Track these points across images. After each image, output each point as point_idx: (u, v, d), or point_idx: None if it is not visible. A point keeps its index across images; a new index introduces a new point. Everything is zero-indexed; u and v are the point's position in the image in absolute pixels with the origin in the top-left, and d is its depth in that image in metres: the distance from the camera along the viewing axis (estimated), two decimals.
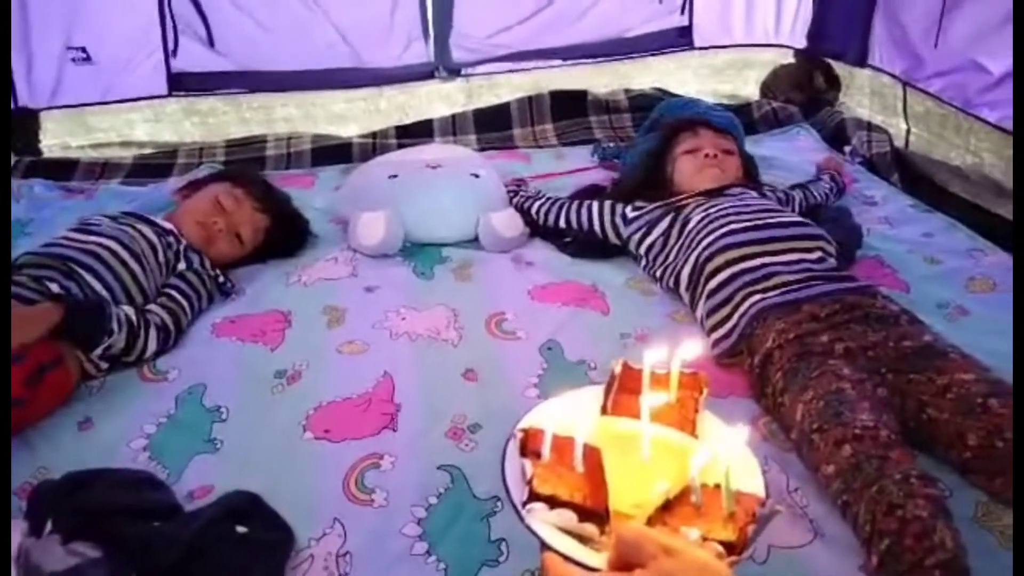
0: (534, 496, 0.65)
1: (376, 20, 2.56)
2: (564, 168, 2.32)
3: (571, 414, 0.72)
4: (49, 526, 0.87)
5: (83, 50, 2.33)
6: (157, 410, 1.32)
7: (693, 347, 0.78)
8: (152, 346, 1.43)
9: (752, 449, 0.73)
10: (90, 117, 2.45)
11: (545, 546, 0.62)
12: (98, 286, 1.45)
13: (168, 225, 1.66)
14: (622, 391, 0.80)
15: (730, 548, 0.61)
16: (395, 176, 1.96)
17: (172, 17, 2.36)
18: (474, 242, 1.87)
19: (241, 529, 0.99)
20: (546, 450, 0.68)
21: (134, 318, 1.40)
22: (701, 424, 0.78)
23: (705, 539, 0.62)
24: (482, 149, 2.45)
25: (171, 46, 2.38)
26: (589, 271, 1.76)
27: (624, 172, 2.12)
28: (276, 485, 1.12)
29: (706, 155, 1.78)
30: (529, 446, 0.69)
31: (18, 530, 0.80)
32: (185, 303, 1.55)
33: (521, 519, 0.65)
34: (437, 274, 1.77)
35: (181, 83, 2.46)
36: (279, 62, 2.51)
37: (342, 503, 1.12)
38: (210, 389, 1.36)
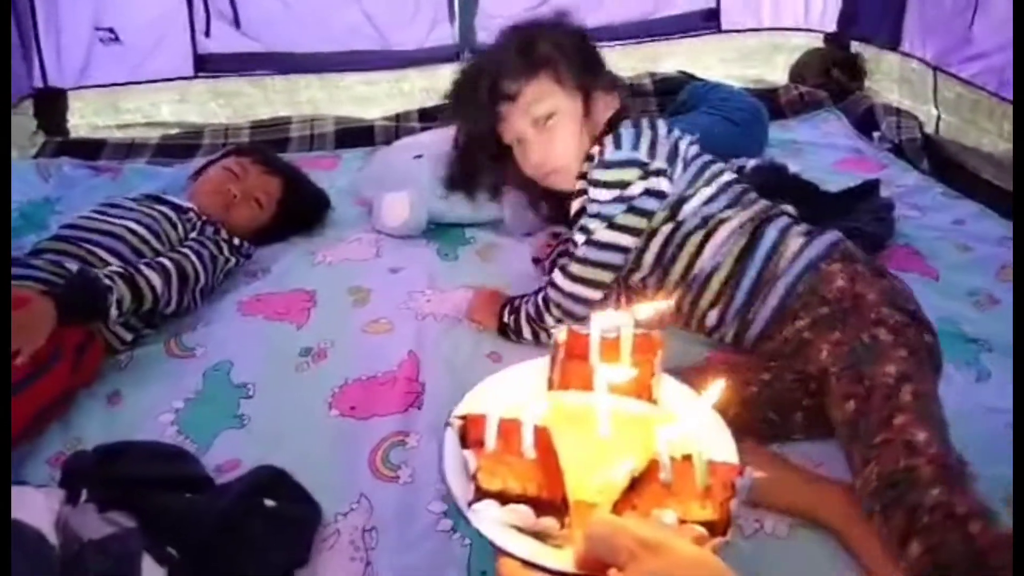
0: (481, 493, 0.56)
1: (401, 2, 2.55)
2: None
3: (515, 393, 0.65)
4: (84, 495, 0.89)
5: (111, 31, 2.34)
6: (185, 386, 1.33)
7: (645, 308, 0.70)
8: (155, 280, 1.39)
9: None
10: (118, 97, 2.47)
11: (500, 551, 0.54)
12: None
13: (187, 204, 1.68)
14: (570, 360, 0.71)
15: (712, 528, 0.54)
16: (419, 156, 1.95)
17: None
18: (498, 223, 1.87)
19: (269, 503, 1.00)
20: (490, 438, 0.59)
21: (122, 268, 1.39)
22: (658, 389, 0.69)
23: (683, 522, 0.54)
24: None
25: (199, 27, 2.39)
26: None
27: None
28: (303, 461, 1.13)
29: None
30: (470, 435, 0.60)
31: (55, 498, 0.82)
32: (189, 252, 1.52)
33: (468, 522, 0.56)
34: (461, 255, 1.78)
35: (207, 64, 2.47)
36: (304, 44, 2.51)
37: (368, 479, 1.13)
38: (237, 366, 1.38)
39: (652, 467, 0.57)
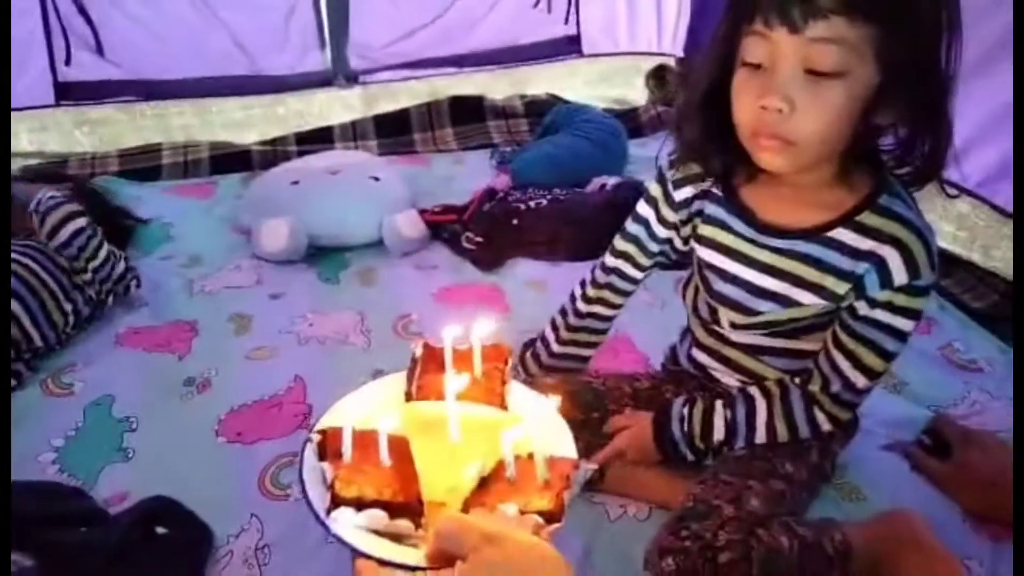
0: (338, 501, 0.59)
1: (271, 28, 2.56)
2: (464, 172, 2.42)
3: (373, 406, 0.68)
4: None
5: None
6: (64, 424, 1.32)
7: (487, 322, 0.76)
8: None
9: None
10: None
11: (357, 553, 0.58)
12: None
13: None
14: (426, 373, 0.74)
15: (548, 517, 0.59)
16: (296, 183, 2.00)
17: (61, 24, 2.30)
18: (378, 245, 1.93)
19: (161, 530, 1.04)
20: (347, 449, 0.62)
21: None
22: (509, 396, 0.73)
23: (523, 512, 0.59)
24: (383, 155, 2.51)
25: (59, 55, 2.32)
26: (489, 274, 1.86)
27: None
28: (191, 488, 1.16)
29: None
30: (329, 447, 0.63)
31: None
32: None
33: (327, 530, 0.59)
34: (342, 279, 1.83)
35: (70, 92, 2.40)
36: (174, 70, 2.48)
37: (258, 500, 1.18)
38: (118, 400, 1.38)
39: (499, 467, 0.64)
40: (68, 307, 1.53)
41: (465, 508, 0.62)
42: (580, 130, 2.33)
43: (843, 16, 0.83)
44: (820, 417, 1.09)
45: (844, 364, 1.04)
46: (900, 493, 1.20)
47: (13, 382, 1.40)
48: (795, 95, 0.87)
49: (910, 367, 1.49)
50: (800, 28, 0.84)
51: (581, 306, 1.25)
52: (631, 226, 1.18)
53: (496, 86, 2.86)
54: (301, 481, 0.63)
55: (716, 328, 1.16)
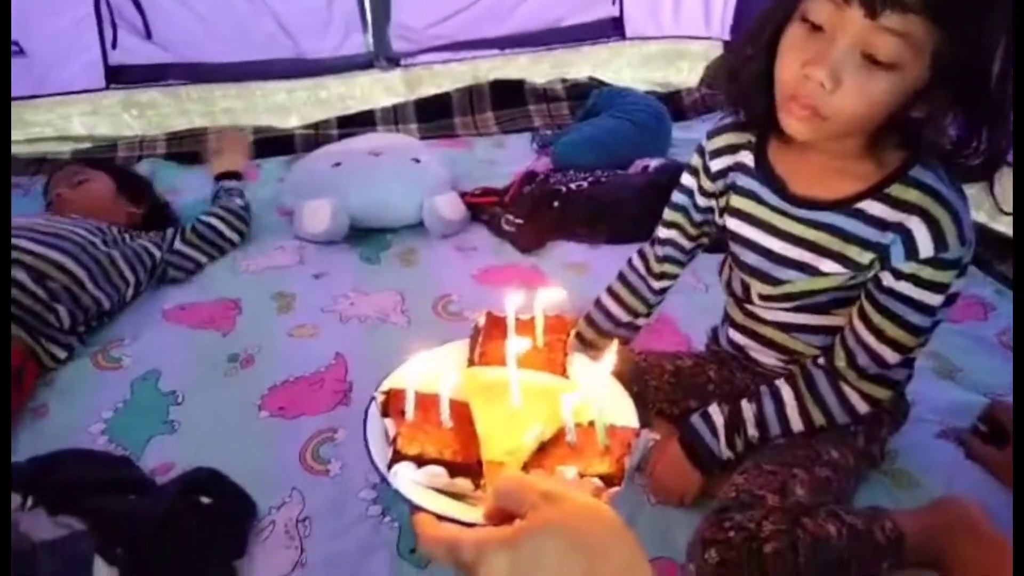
0: (399, 456, 0.60)
1: (314, 11, 2.58)
2: (505, 156, 2.40)
3: (436, 370, 0.67)
4: (30, 502, 0.92)
5: (16, 44, 2.30)
6: (113, 397, 1.35)
7: (554, 292, 0.76)
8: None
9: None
10: (24, 111, 2.42)
11: (416, 508, 0.58)
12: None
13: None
14: (489, 340, 0.75)
15: (608, 481, 0.60)
16: (338, 164, 2.01)
17: (110, 9, 2.34)
18: (419, 227, 1.94)
19: (205, 500, 1.05)
20: (410, 409, 0.63)
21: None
22: (572, 366, 0.74)
23: (582, 475, 0.60)
24: (424, 138, 2.51)
25: (109, 39, 2.37)
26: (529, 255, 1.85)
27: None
28: (234, 460, 1.18)
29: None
30: (392, 407, 0.65)
31: None
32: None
33: (387, 483, 0.60)
34: (383, 260, 1.84)
35: (119, 76, 2.45)
36: (219, 54, 2.51)
37: (299, 474, 1.19)
38: (164, 375, 1.41)
39: (560, 432, 0.64)
40: (131, 277, 1.61)
41: (525, 470, 0.62)
42: (623, 112, 2.30)
43: (920, 15, 0.80)
44: (851, 395, 1.05)
45: (869, 338, 1.01)
46: (954, 481, 1.16)
47: (63, 354, 1.44)
48: (844, 75, 0.84)
49: (966, 353, 1.44)
50: (877, 13, 0.81)
51: (652, 283, 1.23)
52: (678, 197, 1.18)
53: (538, 68, 2.84)
54: (365, 438, 0.64)
55: (749, 307, 1.14)
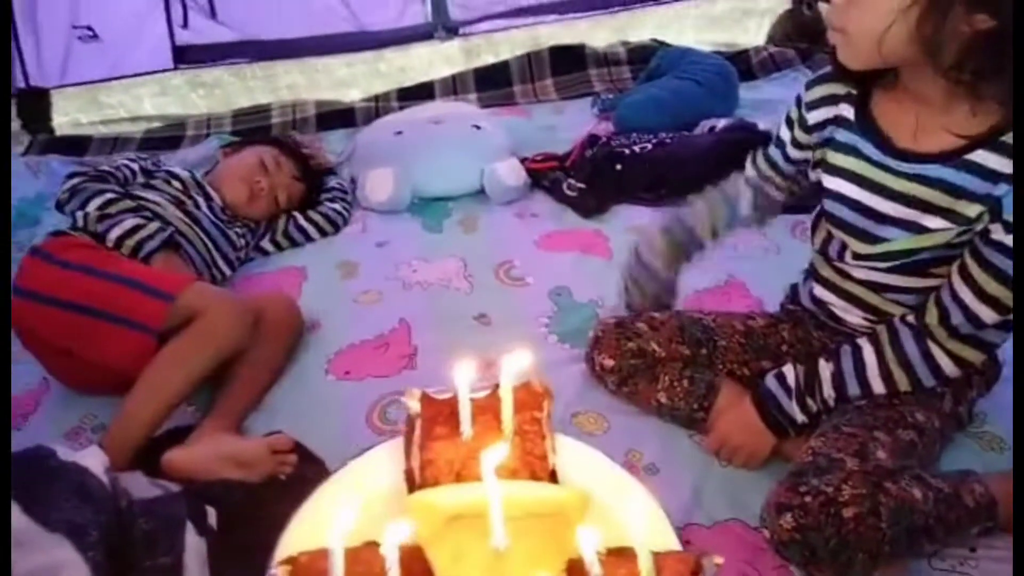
0: None
1: None
2: (565, 121, 2.36)
3: (365, 505, 0.48)
4: None
5: (89, 28, 2.37)
6: None
7: (520, 357, 0.54)
8: None
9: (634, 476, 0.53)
10: (100, 93, 2.51)
11: None
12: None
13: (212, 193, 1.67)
14: (431, 440, 0.53)
15: None
16: (400, 133, 2.01)
17: None
18: (479, 195, 1.92)
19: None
20: None
21: None
22: (554, 456, 0.52)
23: None
24: (483, 107, 2.49)
25: (176, 19, 2.42)
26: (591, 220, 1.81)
27: None
28: (304, 423, 1.20)
29: None
30: None
31: (99, 459, 0.88)
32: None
33: None
34: (445, 227, 1.83)
35: (185, 55, 2.51)
36: (280, 30, 2.55)
37: (368, 434, 1.20)
38: None
39: (574, 568, 0.44)
40: (232, 256, 1.64)
41: None
42: (687, 72, 2.22)
43: None
44: (939, 355, 0.99)
45: (967, 295, 0.95)
46: None
47: None
48: None
49: None
50: None
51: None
52: (771, 150, 1.17)
53: (598, 33, 2.77)
54: None
55: (840, 265, 1.09)
